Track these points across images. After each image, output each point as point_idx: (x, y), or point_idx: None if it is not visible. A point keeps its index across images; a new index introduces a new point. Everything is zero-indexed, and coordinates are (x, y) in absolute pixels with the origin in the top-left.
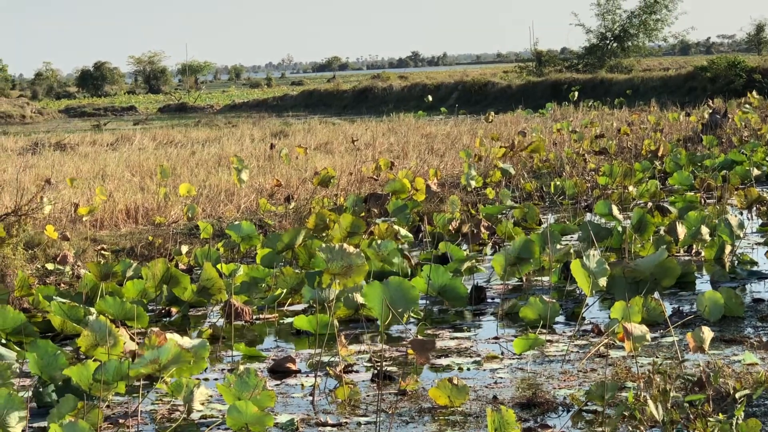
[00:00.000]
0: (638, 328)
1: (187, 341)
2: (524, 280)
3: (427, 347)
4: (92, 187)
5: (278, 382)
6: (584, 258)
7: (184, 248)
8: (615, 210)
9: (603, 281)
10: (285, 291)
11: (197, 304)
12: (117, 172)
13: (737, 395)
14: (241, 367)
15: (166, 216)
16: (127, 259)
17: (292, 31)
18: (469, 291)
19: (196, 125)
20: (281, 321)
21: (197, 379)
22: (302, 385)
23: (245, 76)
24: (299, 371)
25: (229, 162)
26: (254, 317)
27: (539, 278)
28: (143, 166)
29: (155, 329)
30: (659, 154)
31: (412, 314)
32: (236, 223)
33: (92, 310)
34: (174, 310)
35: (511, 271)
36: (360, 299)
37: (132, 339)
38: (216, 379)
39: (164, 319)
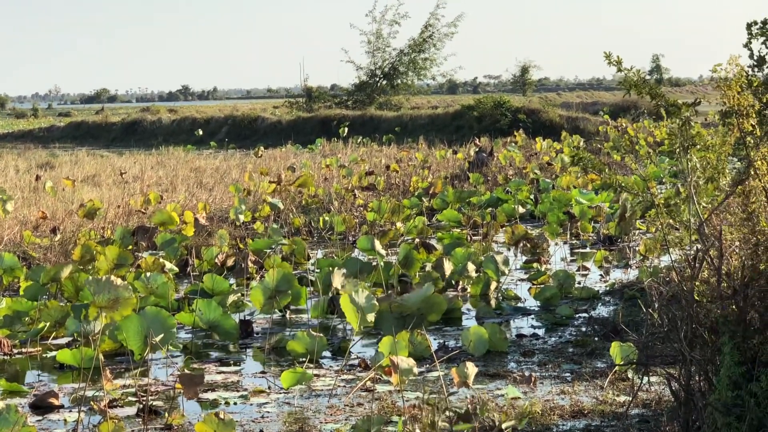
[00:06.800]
0: (405, 361)
1: None
2: (287, 314)
3: (195, 382)
4: None
5: (40, 417)
6: (353, 294)
7: None
8: (378, 245)
9: (371, 317)
10: (49, 324)
11: None
12: None
13: (503, 426)
14: (1, 403)
15: None
16: None
17: (60, 62)
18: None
19: None
20: (45, 355)
21: None
22: (65, 420)
23: (10, 106)
24: (62, 406)
25: None
26: (16, 351)
27: (300, 314)
28: None
29: None
30: (432, 191)
31: (171, 346)
32: None
33: None
34: None
35: (270, 304)
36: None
37: None
38: None
39: None
